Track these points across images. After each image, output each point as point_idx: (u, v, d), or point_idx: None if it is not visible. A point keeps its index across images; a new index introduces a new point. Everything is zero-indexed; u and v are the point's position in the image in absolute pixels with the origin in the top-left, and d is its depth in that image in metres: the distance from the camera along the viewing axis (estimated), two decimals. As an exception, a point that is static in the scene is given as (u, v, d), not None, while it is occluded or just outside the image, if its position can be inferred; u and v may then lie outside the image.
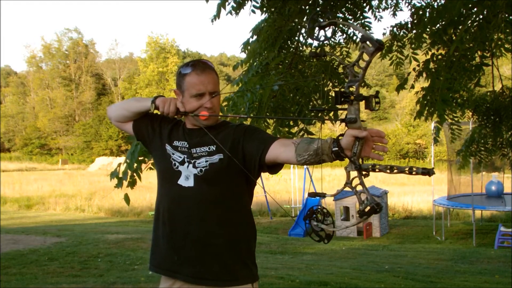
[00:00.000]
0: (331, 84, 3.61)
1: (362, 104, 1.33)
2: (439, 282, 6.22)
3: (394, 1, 4.70)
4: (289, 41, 3.55)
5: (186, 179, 1.72)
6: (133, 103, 1.88)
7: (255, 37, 3.52)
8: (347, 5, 3.80)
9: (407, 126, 45.35)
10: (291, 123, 2.99)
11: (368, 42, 1.28)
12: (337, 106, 1.31)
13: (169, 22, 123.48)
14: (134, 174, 2.83)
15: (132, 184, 2.86)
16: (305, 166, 17.39)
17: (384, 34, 4.67)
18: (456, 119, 4.16)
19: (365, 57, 1.31)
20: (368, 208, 1.30)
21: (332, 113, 3.00)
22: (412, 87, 4.32)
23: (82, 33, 61.80)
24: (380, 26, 15.12)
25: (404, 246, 11.16)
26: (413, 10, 4.29)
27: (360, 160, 1.35)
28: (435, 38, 3.48)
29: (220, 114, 1.86)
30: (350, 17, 3.91)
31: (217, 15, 3.23)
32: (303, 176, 16.91)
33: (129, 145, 3.03)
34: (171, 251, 1.74)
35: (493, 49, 3.71)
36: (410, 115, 44.39)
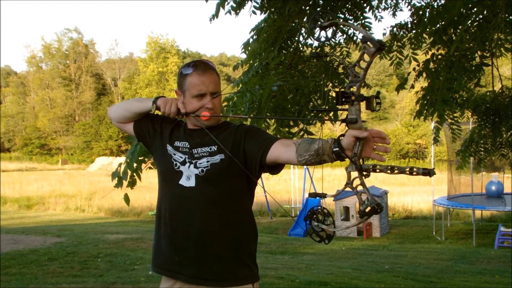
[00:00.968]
0: (331, 84, 3.61)
1: (363, 104, 1.33)
2: (439, 282, 6.22)
3: (394, 1, 4.70)
4: (289, 41, 3.55)
5: (188, 179, 1.73)
6: (134, 103, 1.88)
7: (255, 36, 3.52)
8: (347, 5, 3.80)
9: (407, 126, 45.35)
10: (291, 123, 2.99)
11: (369, 43, 1.28)
12: (338, 106, 1.30)
13: (169, 22, 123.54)
14: (134, 174, 2.83)
15: (132, 184, 2.86)
16: (305, 166, 17.37)
17: (384, 34, 4.67)
18: (456, 119, 4.16)
19: (366, 57, 1.31)
20: (369, 208, 1.30)
21: (332, 113, 3.00)
22: (412, 87, 4.32)
23: (82, 33, 61.92)
24: (380, 26, 15.13)
25: (404, 246, 11.16)
26: (413, 10, 4.29)
27: (361, 161, 1.35)
28: (435, 38, 3.48)
29: (221, 114, 1.85)
30: (350, 17, 3.91)
31: (216, 15, 3.22)
32: (303, 176, 16.91)
33: (129, 145, 3.03)
34: (172, 251, 1.75)
35: (493, 49, 3.70)
36: (410, 115, 44.38)
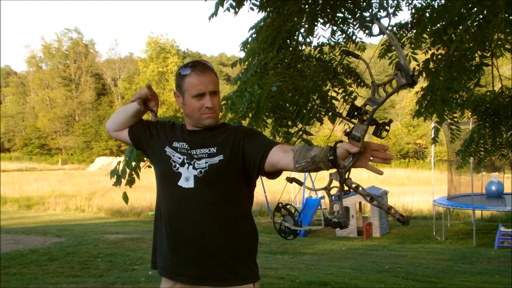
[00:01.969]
0: (330, 84, 3.61)
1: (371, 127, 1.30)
2: (439, 282, 6.22)
3: (396, 2, 4.69)
4: (288, 41, 3.55)
5: (186, 181, 1.73)
6: (122, 108, 1.93)
7: (254, 35, 3.52)
8: (346, 4, 3.79)
9: (407, 126, 45.36)
10: (290, 123, 2.99)
11: (402, 73, 1.23)
12: (348, 117, 1.29)
13: (169, 22, 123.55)
14: (133, 172, 2.83)
15: (130, 182, 2.86)
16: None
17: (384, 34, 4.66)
18: (455, 119, 4.16)
19: (394, 84, 1.25)
20: (335, 221, 1.32)
21: (330, 113, 2.99)
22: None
23: (82, 33, 61.95)
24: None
25: (404, 246, 11.16)
26: (413, 10, 4.29)
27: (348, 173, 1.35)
28: (435, 38, 3.47)
29: (221, 113, 1.84)
30: (349, 16, 3.90)
31: (215, 13, 3.22)
32: (303, 176, 16.91)
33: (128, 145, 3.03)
34: (172, 252, 1.75)
35: (493, 49, 3.70)
36: (410, 115, 44.37)
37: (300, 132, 2.80)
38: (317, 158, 1.42)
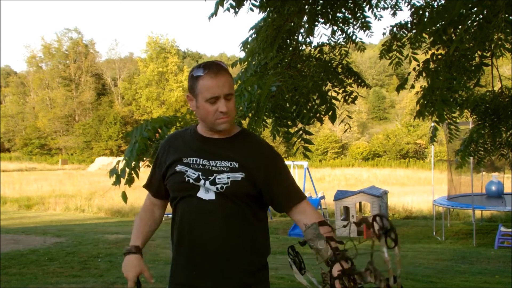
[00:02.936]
0: (330, 84, 3.61)
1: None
2: (439, 282, 6.22)
3: (394, 1, 4.70)
4: (288, 41, 3.55)
5: (206, 192, 1.68)
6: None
7: (254, 36, 3.52)
8: (346, 4, 3.79)
9: (407, 126, 45.41)
10: (290, 123, 2.99)
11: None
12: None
13: (169, 22, 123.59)
14: (132, 172, 2.83)
15: (130, 181, 2.85)
16: (305, 166, 17.43)
17: (384, 33, 4.67)
18: (454, 119, 4.16)
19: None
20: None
21: (331, 112, 3.00)
22: (412, 87, 4.32)
23: (82, 33, 61.92)
24: (380, 26, 15.15)
25: (404, 246, 11.15)
26: (413, 10, 4.29)
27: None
28: (435, 38, 3.47)
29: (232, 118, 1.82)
30: (350, 16, 3.90)
31: (215, 13, 3.22)
32: (303, 176, 16.91)
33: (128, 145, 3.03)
34: (190, 264, 1.71)
35: (493, 49, 3.70)
36: (410, 115, 44.41)
37: (300, 132, 2.80)
38: (319, 252, 1.55)
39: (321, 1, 3.61)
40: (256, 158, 1.68)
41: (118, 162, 2.90)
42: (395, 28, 4.40)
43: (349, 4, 3.85)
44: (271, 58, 3.14)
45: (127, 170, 2.79)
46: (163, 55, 53.01)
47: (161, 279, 4.89)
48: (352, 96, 3.81)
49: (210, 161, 1.68)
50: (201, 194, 1.67)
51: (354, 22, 3.96)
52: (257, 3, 3.45)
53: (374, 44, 47.33)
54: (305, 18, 3.55)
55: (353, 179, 29.52)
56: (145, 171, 3.12)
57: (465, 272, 7.16)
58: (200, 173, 1.67)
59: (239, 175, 1.65)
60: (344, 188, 18.18)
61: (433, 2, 4.06)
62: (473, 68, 3.56)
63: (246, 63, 3.48)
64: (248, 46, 3.53)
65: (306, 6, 3.48)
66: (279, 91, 2.75)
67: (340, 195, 13.90)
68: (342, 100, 3.77)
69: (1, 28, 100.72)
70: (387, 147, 45.05)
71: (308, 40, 3.64)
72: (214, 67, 1.65)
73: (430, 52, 3.81)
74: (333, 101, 3.12)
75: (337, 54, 3.95)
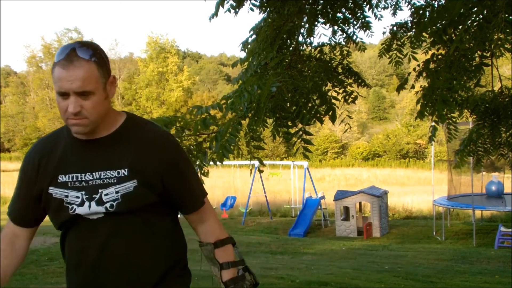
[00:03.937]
0: (330, 84, 3.61)
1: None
2: (439, 282, 6.22)
3: (394, 1, 4.70)
4: (288, 41, 3.55)
5: (94, 215, 1.36)
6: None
7: (254, 36, 3.52)
8: (346, 4, 3.79)
9: (407, 126, 45.39)
10: (290, 123, 2.99)
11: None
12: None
13: (169, 22, 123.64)
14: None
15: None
16: (305, 166, 17.42)
17: (384, 33, 4.67)
18: (453, 119, 4.16)
19: None
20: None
21: (331, 112, 3.00)
22: (412, 87, 4.32)
23: (82, 33, 61.51)
24: (380, 25, 15.16)
25: (404, 246, 11.17)
26: (413, 9, 4.29)
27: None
28: (435, 38, 3.47)
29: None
30: (350, 16, 3.90)
31: (216, 13, 3.22)
32: (303, 176, 16.92)
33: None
34: None
35: (493, 49, 3.70)
36: (410, 115, 44.43)
37: (300, 132, 2.80)
38: (215, 276, 1.49)
39: (321, 1, 3.61)
40: (149, 153, 1.36)
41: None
42: (395, 28, 4.41)
43: (349, 4, 3.85)
44: (271, 59, 3.14)
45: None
46: (163, 55, 53.01)
47: None
48: (352, 96, 3.81)
49: (94, 173, 1.35)
50: (90, 215, 1.35)
51: (355, 22, 3.96)
52: (257, 3, 3.45)
53: (374, 44, 47.33)
54: (305, 18, 3.55)
55: (353, 179, 29.56)
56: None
57: (465, 272, 7.17)
58: (83, 193, 1.34)
59: (130, 185, 1.33)
60: (344, 188, 18.19)
61: (433, 2, 4.07)
62: (473, 68, 3.56)
63: (246, 63, 3.48)
64: (248, 46, 3.53)
65: (306, 6, 3.48)
66: (279, 91, 2.75)
67: (340, 195, 13.91)
68: (342, 100, 3.76)
69: (1, 28, 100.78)
70: (387, 147, 45.05)
71: (308, 40, 3.64)
72: (69, 53, 1.25)
73: (430, 52, 3.82)
74: (333, 101, 3.12)
75: (337, 54, 3.95)
